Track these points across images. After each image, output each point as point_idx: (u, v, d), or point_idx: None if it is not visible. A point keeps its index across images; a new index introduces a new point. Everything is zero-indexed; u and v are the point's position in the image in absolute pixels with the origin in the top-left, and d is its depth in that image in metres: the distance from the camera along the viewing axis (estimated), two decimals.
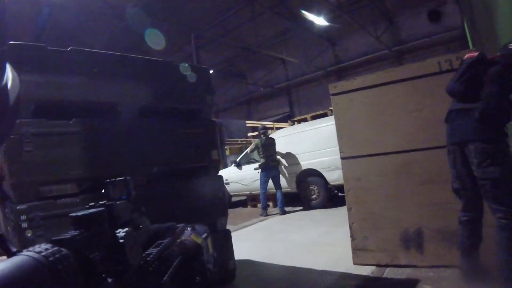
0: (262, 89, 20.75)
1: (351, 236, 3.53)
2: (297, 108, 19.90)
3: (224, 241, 3.22)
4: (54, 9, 10.48)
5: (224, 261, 3.15)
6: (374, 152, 3.36)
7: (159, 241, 1.29)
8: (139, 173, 2.70)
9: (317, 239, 4.90)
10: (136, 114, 2.81)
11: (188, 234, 1.48)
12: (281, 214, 7.43)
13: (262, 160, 7.57)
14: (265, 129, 7.98)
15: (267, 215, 7.55)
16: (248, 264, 4.10)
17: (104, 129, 2.62)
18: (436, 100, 2.95)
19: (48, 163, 2.29)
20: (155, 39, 11.69)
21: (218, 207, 3.30)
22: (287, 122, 14.81)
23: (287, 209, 7.66)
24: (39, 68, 2.27)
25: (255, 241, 5.44)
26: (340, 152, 3.53)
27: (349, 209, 3.52)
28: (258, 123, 15.31)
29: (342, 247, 3.95)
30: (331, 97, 3.55)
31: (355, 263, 3.47)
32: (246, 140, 13.74)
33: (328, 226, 5.54)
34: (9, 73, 0.82)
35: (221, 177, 3.40)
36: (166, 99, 3.05)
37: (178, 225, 1.52)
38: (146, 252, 1.17)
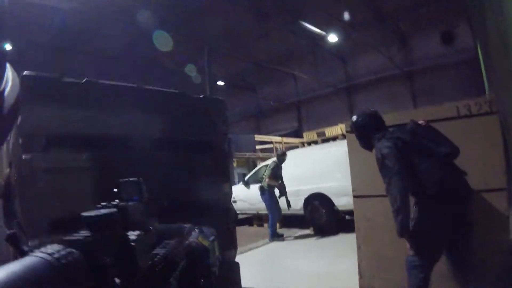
0: (272, 103, 20.77)
1: (359, 273, 3.49)
2: (306, 123, 19.84)
3: (232, 274, 3.19)
4: (69, 14, 10.58)
5: None
6: (383, 193, 3.31)
7: (166, 241, 1.26)
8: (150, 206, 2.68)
9: (322, 269, 4.84)
10: (149, 148, 2.80)
11: (195, 236, 1.44)
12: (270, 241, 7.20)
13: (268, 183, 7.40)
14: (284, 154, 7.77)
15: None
16: None
17: (116, 162, 2.60)
18: None
19: (60, 198, 2.26)
20: (163, 43, 11.94)
21: (227, 240, 3.27)
22: (295, 137, 14.79)
23: (295, 231, 7.50)
24: (52, 101, 2.22)
25: (260, 266, 5.42)
26: (353, 191, 3.52)
27: (359, 247, 3.49)
28: (266, 137, 15.31)
29: (347, 280, 3.90)
30: (346, 134, 3.54)
31: None
32: (255, 155, 13.72)
33: (334, 256, 5.48)
34: (9, 73, 0.81)
35: (232, 209, 3.38)
36: (180, 132, 3.04)
37: (185, 226, 1.48)
38: (153, 252, 1.14)
